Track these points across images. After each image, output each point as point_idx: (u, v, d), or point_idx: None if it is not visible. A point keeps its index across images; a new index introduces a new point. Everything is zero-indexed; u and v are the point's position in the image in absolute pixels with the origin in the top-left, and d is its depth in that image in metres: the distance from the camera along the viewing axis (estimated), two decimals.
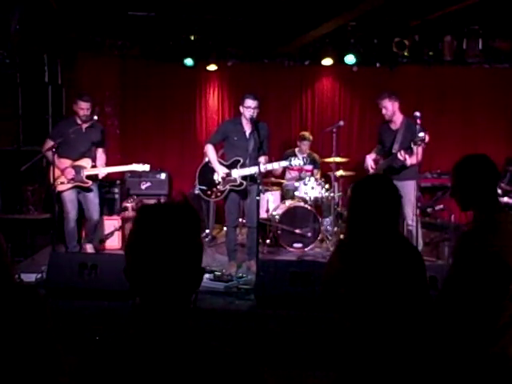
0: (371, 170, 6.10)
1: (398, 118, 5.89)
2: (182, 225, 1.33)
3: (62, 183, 5.94)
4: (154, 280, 1.32)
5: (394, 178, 5.65)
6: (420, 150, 5.48)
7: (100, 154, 6.21)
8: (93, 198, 6.14)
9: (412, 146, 5.54)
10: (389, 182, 2.58)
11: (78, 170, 5.99)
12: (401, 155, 5.62)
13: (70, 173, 5.93)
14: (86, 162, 6.04)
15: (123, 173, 7.66)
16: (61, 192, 5.98)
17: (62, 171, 5.92)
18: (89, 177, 6.02)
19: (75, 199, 6.07)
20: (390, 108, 5.86)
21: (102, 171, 6.11)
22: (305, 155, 7.37)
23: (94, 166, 6.09)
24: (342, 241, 2.62)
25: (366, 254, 2.41)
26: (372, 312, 2.37)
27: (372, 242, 2.43)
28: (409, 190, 5.70)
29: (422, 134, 5.39)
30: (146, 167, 6.14)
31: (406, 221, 5.84)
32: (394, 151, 5.79)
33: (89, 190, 6.09)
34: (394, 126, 5.95)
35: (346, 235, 2.70)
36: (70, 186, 5.99)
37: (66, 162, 5.98)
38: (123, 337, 1.36)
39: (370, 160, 6.15)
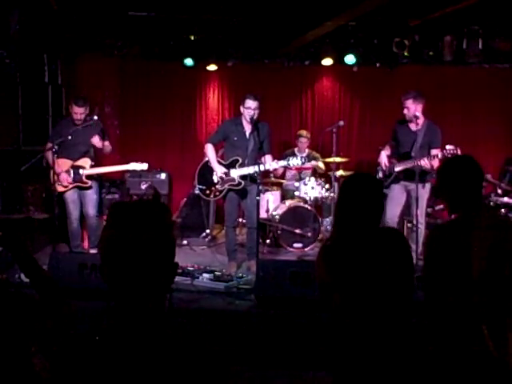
0: (384, 168, 5.98)
1: (420, 120, 5.65)
2: (151, 220, 1.38)
3: (63, 186, 5.96)
4: (127, 275, 1.36)
5: (413, 180, 5.59)
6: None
7: (107, 143, 6.16)
8: (91, 195, 6.12)
9: (435, 153, 5.52)
10: (374, 180, 2.59)
11: (76, 170, 5.99)
12: (426, 163, 5.49)
13: (66, 179, 5.94)
14: (85, 162, 6.04)
15: (123, 173, 7.65)
16: (62, 193, 6.00)
17: (58, 175, 5.91)
18: (88, 176, 6.03)
19: (77, 199, 6.09)
20: (413, 109, 5.65)
21: (101, 171, 6.14)
22: (304, 155, 7.33)
23: (93, 166, 6.09)
24: (326, 246, 2.58)
25: (354, 252, 2.41)
26: (364, 310, 2.37)
27: (359, 240, 2.43)
28: (425, 191, 5.68)
29: (451, 147, 5.38)
30: (144, 166, 6.12)
31: (415, 222, 5.64)
32: (413, 154, 5.66)
33: (88, 188, 6.11)
34: (413, 127, 5.77)
35: (332, 234, 2.69)
36: (70, 186, 6.01)
37: (65, 163, 5.97)
38: (99, 336, 1.38)
39: (385, 157, 6.00)
